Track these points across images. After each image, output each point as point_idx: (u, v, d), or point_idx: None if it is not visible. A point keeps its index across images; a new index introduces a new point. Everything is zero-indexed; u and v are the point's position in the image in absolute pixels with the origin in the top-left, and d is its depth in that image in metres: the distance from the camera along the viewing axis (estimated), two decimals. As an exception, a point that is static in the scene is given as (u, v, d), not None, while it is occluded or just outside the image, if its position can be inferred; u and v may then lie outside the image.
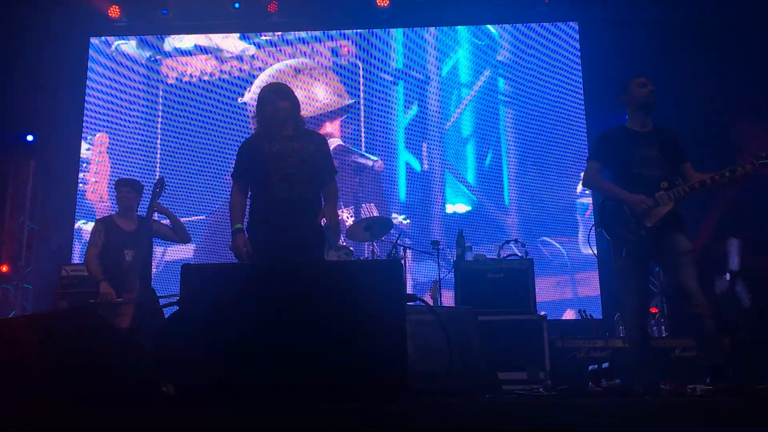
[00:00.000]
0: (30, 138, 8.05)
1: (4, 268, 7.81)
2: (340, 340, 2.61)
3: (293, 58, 8.29)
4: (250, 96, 8.07)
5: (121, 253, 5.27)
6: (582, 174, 7.66)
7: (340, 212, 7.61)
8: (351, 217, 7.72)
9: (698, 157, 4.43)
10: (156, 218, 5.50)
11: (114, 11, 8.07)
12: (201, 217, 7.92)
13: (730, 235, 6.53)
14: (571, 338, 5.84)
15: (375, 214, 7.63)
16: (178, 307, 3.09)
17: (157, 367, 2.89)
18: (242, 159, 4.13)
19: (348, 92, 8.16)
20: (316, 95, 8.10)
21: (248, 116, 7.93)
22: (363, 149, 8.01)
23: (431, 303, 6.59)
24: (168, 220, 5.54)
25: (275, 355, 2.60)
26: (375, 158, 7.97)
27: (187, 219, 7.82)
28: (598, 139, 4.50)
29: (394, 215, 7.69)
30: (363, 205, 7.82)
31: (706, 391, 3.86)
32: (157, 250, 7.68)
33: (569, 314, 7.37)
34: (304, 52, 8.29)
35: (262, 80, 8.14)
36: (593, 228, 4.60)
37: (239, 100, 8.19)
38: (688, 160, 4.28)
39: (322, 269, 3.02)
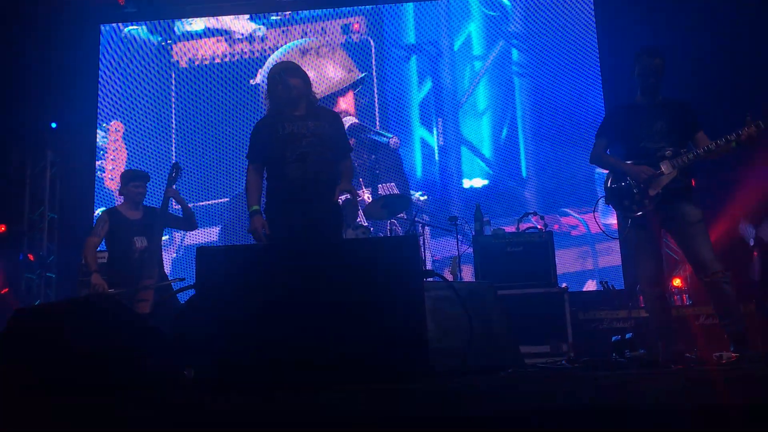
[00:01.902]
0: (53, 125, 8.11)
1: (30, 257, 7.89)
2: (358, 319, 2.59)
3: (304, 36, 8.23)
4: (261, 78, 8.04)
5: (131, 242, 5.27)
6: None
7: (360, 192, 7.58)
8: (371, 197, 7.69)
9: (728, 116, 4.33)
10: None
11: (121, -3, 8.05)
12: (224, 199, 7.94)
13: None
14: (593, 309, 5.79)
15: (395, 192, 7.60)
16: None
17: (177, 351, 2.90)
18: (256, 140, 4.11)
19: (358, 66, 8.08)
20: (326, 73, 8.04)
21: (262, 97, 7.89)
22: (378, 127, 7.96)
23: (451, 279, 6.57)
24: (180, 206, 5.53)
25: (293, 336, 2.59)
26: (390, 135, 7.91)
27: (207, 202, 7.86)
28: (605, 117, 4.58)
29: (411, 192, 7.65)
30: (381, 185, 7.77)
31: (732, 359, 3.81)
32: (176, 235, 7.74)
33: (590, 285, 7.32)
34: (315, 31, 8.22)
35: (269, 64, 8.09)
36: (597, 202, 4.61)
37: (251, 81, 8.16)
38: (700, 129, 4.23)
39: (337, 248, 3.00)
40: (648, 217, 4.14)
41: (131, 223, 5.33)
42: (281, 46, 8.23)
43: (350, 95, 8.04)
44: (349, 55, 8.12)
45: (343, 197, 3.98)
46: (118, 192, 5.56)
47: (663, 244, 4.34)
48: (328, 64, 8.07)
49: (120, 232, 5.31)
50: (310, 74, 4.19)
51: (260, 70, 8.14)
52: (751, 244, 6.45)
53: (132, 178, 5.45)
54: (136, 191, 5.40)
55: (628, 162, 4.24)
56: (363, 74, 8.05)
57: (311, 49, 8.16)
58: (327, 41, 8.17)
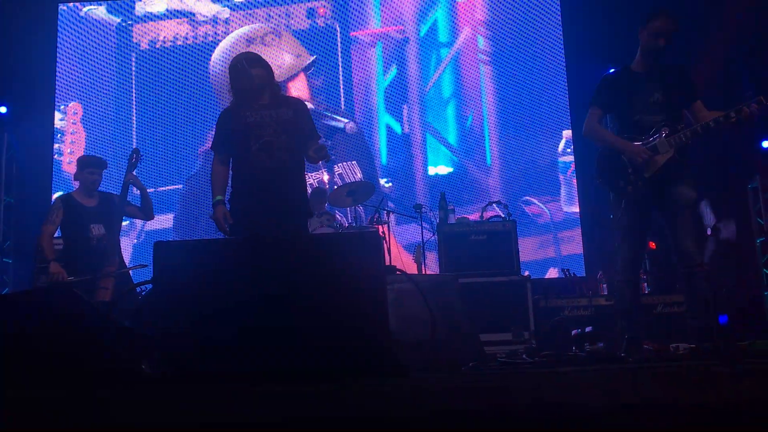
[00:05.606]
0: (3, 110, 7.80)
1: None
2: (320, 314, 2.58)
3: (268, 19, 8.10)
4: (214, 66, 7.93)
5: (87, 229, 5.16)
6: (564, 132, 7.74)
7: (320, 174, 7.54)
8: (328, 177, 7.66)
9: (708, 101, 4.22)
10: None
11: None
12: (179, 186, 7.84)
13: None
14: (554, 297, 5.85)
15: (357, 173, 7.58)
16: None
17: (135, 345, 2.86)
18: (221, 131, 4.08)
19: (319, 50, 7.99)
20: (275, 61, 7.87)
21: (214, 86, 7.84)
22: (343, 112, 7.90)
23: (415, 267, 6.58)
24: (139, 192, 5.42)
25: (253, 332, 2.57)
26: (346, 120, 7.86)
27: (167, 188, 7.75)
28: (598, 85, 4.25)
29: (374, 178, 7.63)
30: (338, 164, 7.71)
31: (689, 350, 3.87)
32: (137, 221, 7.61)
33: (552, 273, 7.40)
34: (279, 14, 8.10)
35: (217, 55, 7.96)
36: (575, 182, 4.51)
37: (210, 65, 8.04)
38: (698, 98, 4.05)
39: (299, 243, 2.97)
40: (639, 200, 3.99)
41: (87, 210, 5.22)
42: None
43: (302, 79, 7.93)
44: (296, 40, 8.01)
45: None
46: (73, 177, 5.42)
47: (649, 229, 4.20)
48: (275, 52, 7.94)
49: (75, 219, 5.19)
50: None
51: (211, 59, 7.99)
52: (708, 232, 6.57)
53: (87, 165, 5.32)
54: (91, 178, 5.28)
55: (624, 138, 4.03)
56: (313, 57, 7.96)
57: (257, 38, 8.02)
58: (270, 27, 8.03)
